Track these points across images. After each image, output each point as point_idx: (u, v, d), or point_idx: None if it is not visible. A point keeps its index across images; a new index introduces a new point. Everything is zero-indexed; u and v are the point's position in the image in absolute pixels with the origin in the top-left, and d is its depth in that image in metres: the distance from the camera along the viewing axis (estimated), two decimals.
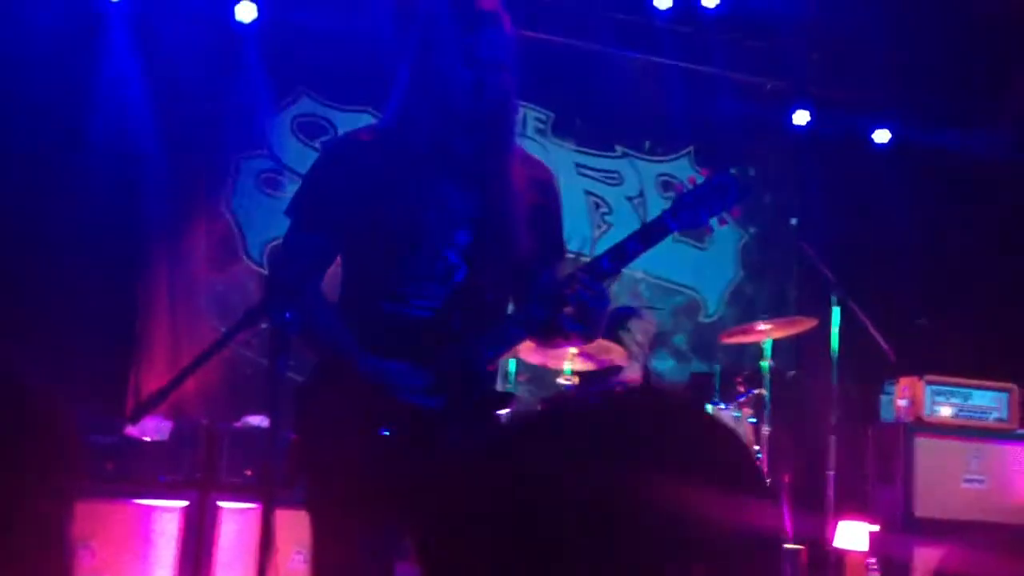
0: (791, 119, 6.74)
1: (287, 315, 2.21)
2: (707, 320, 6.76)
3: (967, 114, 6.08)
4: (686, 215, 2.33)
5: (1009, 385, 5.25)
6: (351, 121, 5.79)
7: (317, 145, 6.00)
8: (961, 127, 6.02)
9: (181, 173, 5.67)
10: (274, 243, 5.64)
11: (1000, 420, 5.23)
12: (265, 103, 5.90)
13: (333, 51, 5.88)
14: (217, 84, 5.66)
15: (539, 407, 0.97)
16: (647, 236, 2.32)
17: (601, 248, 6.50)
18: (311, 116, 6.11)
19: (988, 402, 5.26)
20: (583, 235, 6.54)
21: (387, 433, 2.24)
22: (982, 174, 6.37)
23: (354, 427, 2.26)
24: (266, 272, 5.62)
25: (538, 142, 6.40)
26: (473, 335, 2.34)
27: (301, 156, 5.84)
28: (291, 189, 5.76)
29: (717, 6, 6.24)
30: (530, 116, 6.48)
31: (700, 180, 2.40)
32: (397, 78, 2.43)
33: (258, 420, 4.45)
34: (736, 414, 5.09)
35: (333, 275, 2.47)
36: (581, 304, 2.27)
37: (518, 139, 2.51)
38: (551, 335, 2.42)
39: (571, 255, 6.60)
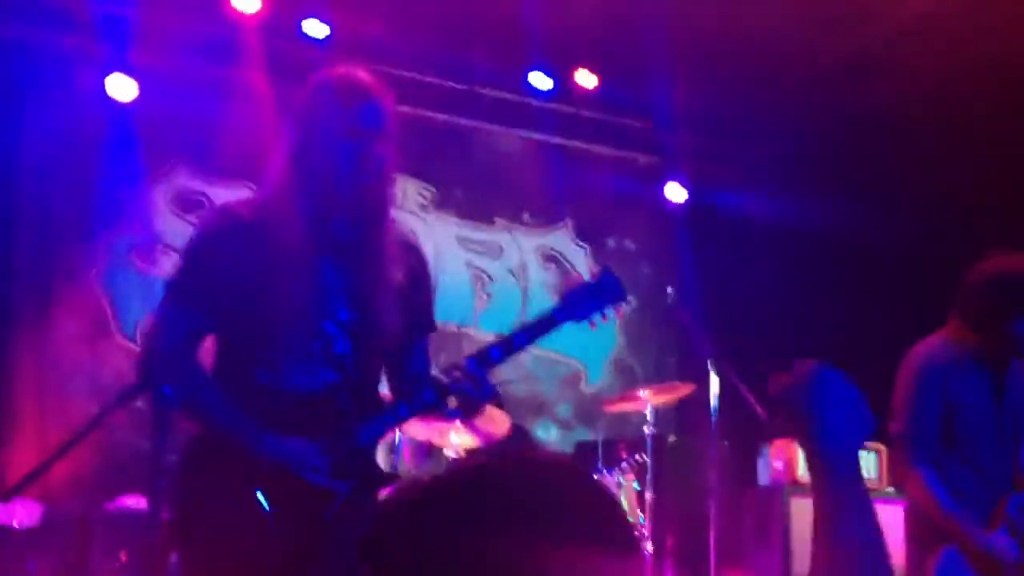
0: (663, 193, 6.97)
1: (166, 390, 2.16)
2: (589, 389, 6.85)
3: (828, 192, 6.45)
4: (572, 311, 2.47)
5: (877, 446, 5.47)
6: (228, 196, 5.72)
7: (193, 219, 5.90)
8: (820, 203, 6.41)
9: (48, 250, 5.50)
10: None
11: (870, 479, 5.44)
12: (138, 177, 5.79)
13: (209, 126, 5.83)
14: (89, 159, 5.54)
15: (426, 480, 0.99)
16: (535, 329, 2.45)
17: (484, 320, 6.61)
18: (187, 190, 6.02)
19: None
20: (466, 307, 6.58)
21: (271, 510, 2.20)
22: (837, 246, 6.76)
23: (238, 503, 2.20)
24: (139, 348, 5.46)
25: (420, 216, 6.44)
26: (359, 412, 2.33)
27: (176, 230, 5.74)
28: (165, 264, 5.73)
29: (595, 87, 6.45)
30: (412, 191, 6.52)
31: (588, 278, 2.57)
32: (276, 153, 2.44)
33: (132, 502, 4.28)
34: (620, 480, 5.15)
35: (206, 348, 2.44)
36: (465, 395, 2.34)
37: (401, 214, 2.55)
38: (434, 416, 2.53)
39: (455, 328, 6.68)
